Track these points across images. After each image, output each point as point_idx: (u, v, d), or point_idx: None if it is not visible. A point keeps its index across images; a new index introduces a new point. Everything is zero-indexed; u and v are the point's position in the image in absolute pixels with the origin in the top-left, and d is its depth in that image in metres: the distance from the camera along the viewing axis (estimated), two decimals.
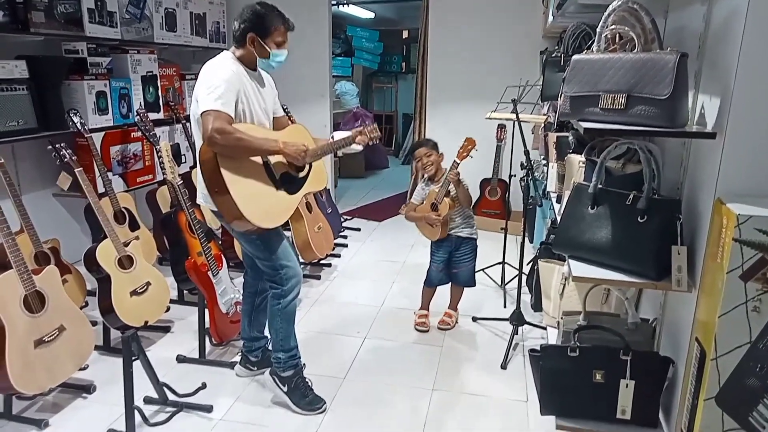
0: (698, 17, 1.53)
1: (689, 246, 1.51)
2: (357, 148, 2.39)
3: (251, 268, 2.55)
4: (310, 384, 2.44)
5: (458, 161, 2.93)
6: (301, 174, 2.34)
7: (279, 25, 2.22)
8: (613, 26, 1.60)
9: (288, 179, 2.27)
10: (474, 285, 3.18)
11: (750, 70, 1.28)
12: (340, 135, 2.43)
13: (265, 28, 2.19)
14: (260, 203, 2.14)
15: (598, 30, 1.62)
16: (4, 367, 2.06)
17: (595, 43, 1.63)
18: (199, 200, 2.32)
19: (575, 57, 1.57)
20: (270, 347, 2.69)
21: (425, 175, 3.06)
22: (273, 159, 2.21)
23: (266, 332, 2.65)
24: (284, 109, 2.69)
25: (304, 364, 2.49)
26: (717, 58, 1.44)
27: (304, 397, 2.39)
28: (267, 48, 2.21)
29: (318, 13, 5.10)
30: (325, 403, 2.41)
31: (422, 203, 3.07)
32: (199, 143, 2.16)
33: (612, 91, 1.46)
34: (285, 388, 2.40)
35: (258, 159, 2.17)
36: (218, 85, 2.06)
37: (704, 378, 1.28)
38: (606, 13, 1.59)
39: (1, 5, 2.77)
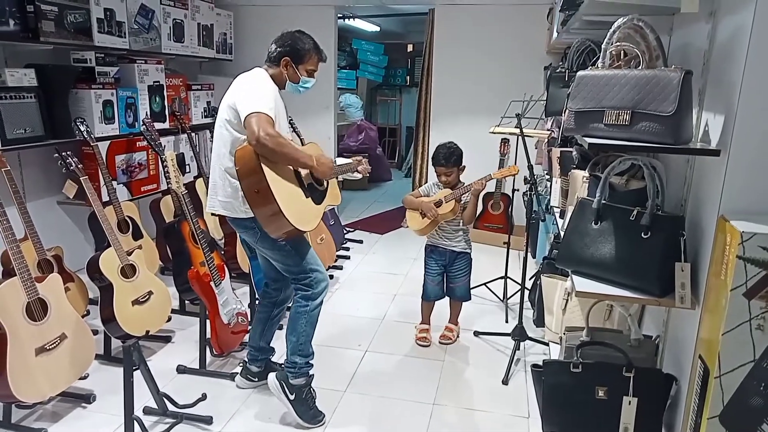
0: (703, 35, 1.54)
1: (693, 263, 1.50)
2: (357, 175, 2.67)
3: (274, 281, 2.56)
4: (315, 396, 2.44)
5: (492, 176, 2.89)
6: (322, 187, 2.42)
7: (314, 56, 2.35)
8: (618, 43, 1.62)
9: (312, 189, 2.34)
10: (469, 299, 3.16)
11: (754, 88, 1.29)
12: (341, 161, 2.62)
13: (301, 56, 2.31)
14: (296, 205, 2.19)
15: (603, 46, 1.63)
16: (4, 374, 2.05)
17: (599, 60, 1.64)
18: (215, 209, 2.33)
19: (580, 73, 1.58)
20: (273, 359, 2.69)
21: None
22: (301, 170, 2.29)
23: (273, 345, 2.66)
24: (289, 122, 2.74)
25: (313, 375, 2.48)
26: (721, 76, 1.45)
27: (309, 410, 2.38)
28: (299, 74, 2.33)
29: (324, 26, 5.15)
30: (324, 416, 2.40)
31: (426, 196, 3.02)
32: (223, 149, 2.22)
33: (616, 108, 1.47)
34: (292, 397, 2.37)
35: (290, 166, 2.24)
36: (266, 94, 2.16)
37: (707, 396, 1.27)
38: (611, 30, 1.60)
39: (11, 14, 2.80)
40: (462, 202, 2.94)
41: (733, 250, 1.20)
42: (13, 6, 2.81)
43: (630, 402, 1.57)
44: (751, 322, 1.20)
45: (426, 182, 5.42)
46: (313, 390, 2.43)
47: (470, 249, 3.09)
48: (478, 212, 4.84)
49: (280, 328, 2.79)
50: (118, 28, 3.47)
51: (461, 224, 3.01)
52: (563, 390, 1.64)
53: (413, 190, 5.57)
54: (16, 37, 2.86)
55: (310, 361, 2.41)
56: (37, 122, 3.01)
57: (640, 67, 1.58)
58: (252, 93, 2.15)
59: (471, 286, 3.15)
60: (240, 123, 2.13)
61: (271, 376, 2.41)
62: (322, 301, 2.40)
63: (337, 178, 2.52)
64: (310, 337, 2.39)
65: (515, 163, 4.05)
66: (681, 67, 1.39)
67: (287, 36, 2.33)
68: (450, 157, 2.92)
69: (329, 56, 5.19)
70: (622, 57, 1.66)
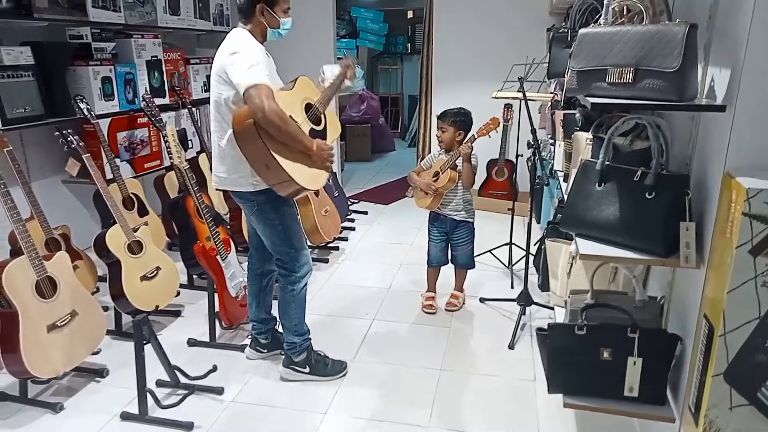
0: None
1: (698, 222, 1.49)
2: (348, 84, 2.47)
3: (257, 250, 2.56)
4: (323, 353, 2.53)
5: (476, 136, 2.92)
6: (321, 126, 2.33)
7: None
8: None
9: (314, 134, 2.26)
10: (473, 267, 3.18)
11: (761, 42, 1.25)
12: (329, 70, 2.48)
13: None
14: (304, 168, 2.15)
15: (605, 3, 1.59)
16: (18, 351, 2.09)
17: (602, 17, 1.60)
18: (220, 185, 2.32)
19: (582, 31, 1.55)
20: (279, 329, 2.72)
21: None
22: (299, 120, 2.19)
23: (274, 312, 2.68)
24: None
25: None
26: (727, 30, 1.41)
27: (326, 366, 2.49)
28: (276, 17, 2.20)
29: None
30: (345, 363, 2.55)
31: (429, 168, 3.06)
32: (220, 123, 2.19)
33: (619, 65, 1.44)
34: (307, 370, 2.47)
35: None
36: (256, 58, 2.07)
37: (712, 354, 1.27)
38: None
39: None
40: (458, 168, 2.94)
41: (739, 207, 1.19)
42: None
43: (635, 362, 1.58)
44: (757, 279, 1.19)
45: (430, 152, 5.41)
46: (318, 351, 2.52)
47: (472, 218, 3.09)
48: (482, 179, 4.86)
49: (275, 298, 2.81)
50: (113, 2, 3.40)
51: (459, 190, 3.00)
52: (568, 352, 1.65)
53: (418, 160, 5.57)
54: (9, 14, 2.81)
55: (308, 336, 2.49)
56: (36, 101, 2.98)
57: (643, 23, 1.54)
58: (243, 61, 2.05)
59: (475, 254, 3.16)
60: (233, 92, 2.09)
61: (280, 370, 2.50)
62: (306, 283, 2.43)
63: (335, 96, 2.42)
64: (303, 317, 2.46)
65: (518, 129, 4.03)
66: (686, 21, 1.35)
67: None
68: (446, 114, 2.99)
69: (328, 26, 5.16)
70: (625, 13, 1.62)
